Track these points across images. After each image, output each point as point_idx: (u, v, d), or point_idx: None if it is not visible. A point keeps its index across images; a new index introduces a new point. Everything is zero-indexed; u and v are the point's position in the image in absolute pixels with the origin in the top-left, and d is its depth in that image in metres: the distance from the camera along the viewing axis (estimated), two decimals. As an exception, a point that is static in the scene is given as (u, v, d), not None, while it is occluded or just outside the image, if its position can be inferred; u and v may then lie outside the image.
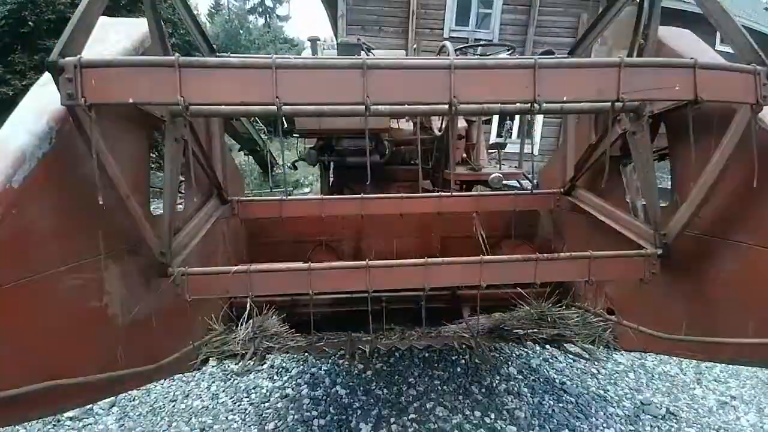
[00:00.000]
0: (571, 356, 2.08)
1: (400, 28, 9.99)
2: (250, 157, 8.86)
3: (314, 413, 2.45)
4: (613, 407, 2.55)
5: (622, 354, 3.08)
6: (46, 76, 1.05)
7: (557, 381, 2.79)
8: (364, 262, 1.46)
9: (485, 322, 2.15)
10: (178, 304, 1.47)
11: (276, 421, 2.41)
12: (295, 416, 2.44)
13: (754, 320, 1.28)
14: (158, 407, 2.56)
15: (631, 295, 1.84)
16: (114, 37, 1.38)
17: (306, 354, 2.55)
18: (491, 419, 2.40)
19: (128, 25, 1.48)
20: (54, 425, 2.39)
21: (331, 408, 2.50)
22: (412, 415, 2.43)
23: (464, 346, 1.96)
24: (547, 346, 2.19)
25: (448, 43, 2.98)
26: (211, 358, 1.82)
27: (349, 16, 9.99)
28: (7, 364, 0.91)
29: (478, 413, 2.45)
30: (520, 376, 2.83)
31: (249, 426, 2.39)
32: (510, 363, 2.98)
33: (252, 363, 1.84)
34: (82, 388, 1.09)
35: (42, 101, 1.07)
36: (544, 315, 2.05)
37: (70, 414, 2.47)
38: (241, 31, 34.27)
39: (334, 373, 2.86)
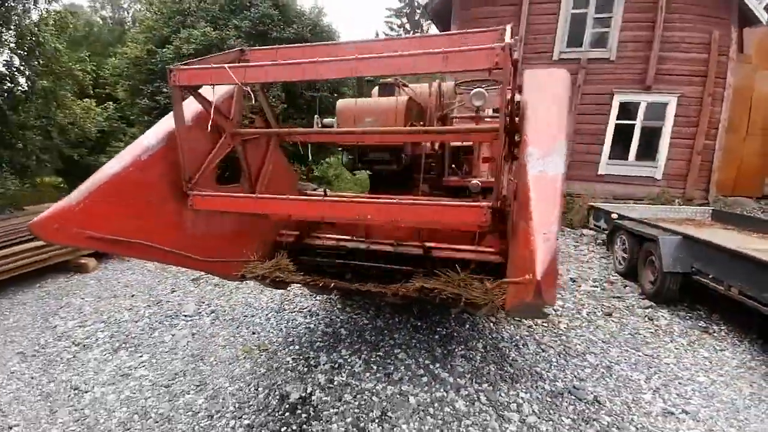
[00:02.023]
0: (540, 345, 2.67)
1: (504, 55, 10.53)
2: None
3: (320, 339, 3.58)
4: (544, 383, 2.98)
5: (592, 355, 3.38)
6: (170, 115, 2.45)
7: (511, 358, 3.31)
8: (325, 196, 2.43)
9: (420, 283, 2.94)
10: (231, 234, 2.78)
11: (296, 338, 3.62)
12: (308, 338, 3.61)
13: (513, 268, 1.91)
14: (235, 317, 4.05)
15: None
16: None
17: (303, 285, 3.40)
18: (435, 367, 3.15)
19: None
20: (173, 318, 4.07)
21: (331, 339, 3.59)
22: (380, 353, 3.35)
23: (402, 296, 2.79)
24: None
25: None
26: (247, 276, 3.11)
27: (458, 47, 11.00)
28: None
29: (428, 362, 3.21)
30: (482, 350, 3.43)
31: (281, 337, 3.65)
32: (481, 339, 3.58)
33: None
34: (169, 254, 2.44)
35: (164, 122, 2.48)
36: (458, 280, 2.74)
37: (186, 313, 4.15)
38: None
39: (345, 321, 3.94)
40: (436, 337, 3.64)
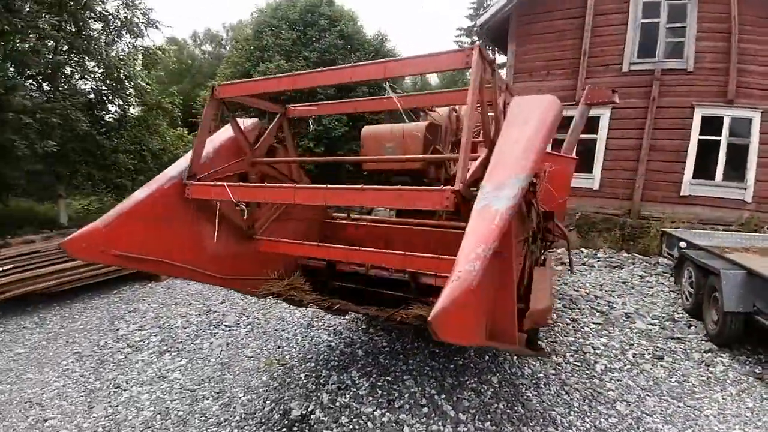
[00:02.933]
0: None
1: (569, 69, 10.04)
2: None
3: (336, 358, 3.68)
4: (556, 430, 2.73)
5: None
6: None
7: (526, 397, 3.08)
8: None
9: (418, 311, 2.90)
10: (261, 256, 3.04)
11: (315, 355, 3.76)
12: (326, 356, 3.73)
13: None
14: (267, 330, 4.32)
15: None
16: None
17: (314, 304, 3.31)
18: (440, 398, 3.06)
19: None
20: (215, 327, 4.46)
21: (347, 359, 3.67)
22: (389, 377, 3.34)
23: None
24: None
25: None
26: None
27: (516, 65, 10.73)
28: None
29: (434, 392, 3.13)
30: (496, 385, 3.24)
31: (302, 353, 3.82)
32: (498, 373, 3.39)
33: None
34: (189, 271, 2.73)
35: (184, 158, 2.81)
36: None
37: (227, 323, 4.52)
38: (458, 83, 38.30)
39: (365, 342, 3.99)
40: (451, 366, 3.53)
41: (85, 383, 3.42)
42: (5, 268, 4.55)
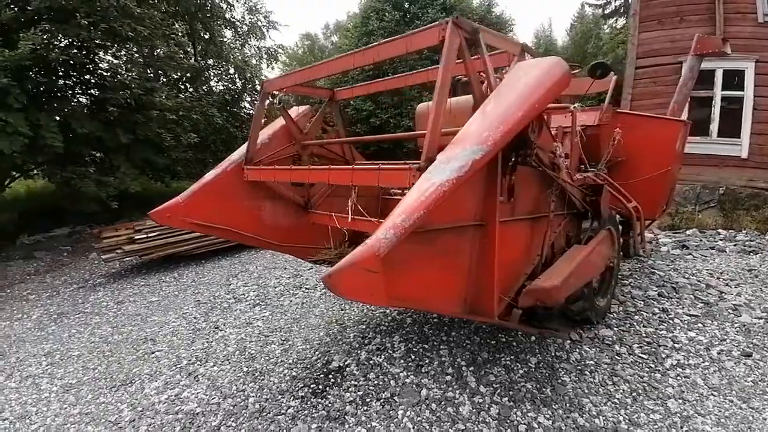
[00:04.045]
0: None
1: (706, 15, 8.15)
2: None
3: (386, 323, 4.00)
4: (580, 416, 2.57)
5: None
6: None
7: (560, 381, 2.93)
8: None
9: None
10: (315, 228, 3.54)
11: (369, 320, 4.14)
12: (378, 321, 4.08)
13: None
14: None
15: None
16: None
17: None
18: (468, 370, 3.12)
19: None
20: (298, 288, 5.15)
21: (395, 325, 3.95)
22: (426, 345, 3.51)
23: None
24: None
25: None
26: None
27: (642, 12, 9.11)
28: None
29: (464, 364, 3.20)
30: (532, 365, 3.14)
31: (359, 317, 4.24)
32: (540, 354, 3.26)
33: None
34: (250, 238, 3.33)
35: (244, 145, 3.36)
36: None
37: (307, 286, 5.20)
38: (590, 39, 33.61)
39: (416, 312, 4.20)
40: (492, 342, 3.51)
41: (195, 324, 4.42)
42: (152, 234, 6.01)
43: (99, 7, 6.41)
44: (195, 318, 4.57)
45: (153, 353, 3.87)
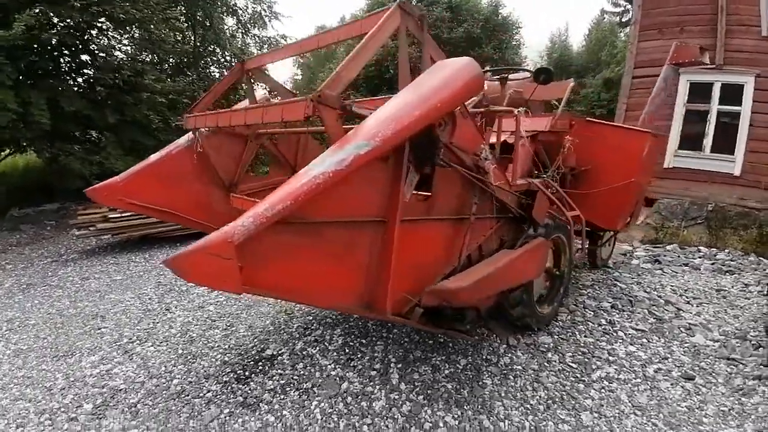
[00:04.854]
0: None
1: (707, 26, 7.99)
2: None
3: (333, 316, 4.01)
4: (484, 416, 2.56)
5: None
6: None
7: (482, 383, 2.92)
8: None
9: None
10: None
11: (318, 312, 4.15)
12: (327, 314, 4.08)
13: None
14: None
15: None
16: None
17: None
18: (396, 367, 3.12)
19: None
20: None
21: (341, 318, 3.96)
22: (364, 340, 3.52)
23: None
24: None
25: None
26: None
27: (643, 21, 8.97)
28: None
29: (394, 360, 3.20)
30: (460, 366, 3.13)
31: (310, 308, 4.25)
32: (472, 356, 3.25)
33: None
34: (191, 221, 3.36)
35: (190, 133, 3.39)
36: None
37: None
38: (605, 47, 33.11)
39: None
40: (430, 342, 3.49)
41: (148, 304, 4.48)
42: (126, 214, 6.08)
43: (92, -10, 6.49)
44: (150, 299, 4.62)
45: (99, 329, 3.93)
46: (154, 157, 3.23)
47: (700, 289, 5.01)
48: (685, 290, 4.92)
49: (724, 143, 8.42)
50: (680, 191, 8.71)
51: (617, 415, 2.65)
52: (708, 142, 8.61)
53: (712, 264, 6.23)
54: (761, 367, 3.19)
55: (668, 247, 7.34)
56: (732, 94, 8.28)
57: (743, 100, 8.20)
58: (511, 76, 3.75)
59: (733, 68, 8.23)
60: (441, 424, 2.52)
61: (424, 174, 2.16)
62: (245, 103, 3.71)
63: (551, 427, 2.52)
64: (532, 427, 2.50)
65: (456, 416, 2.59)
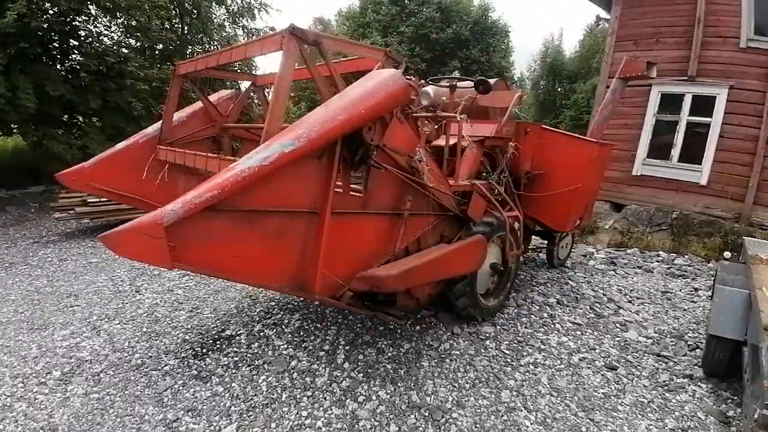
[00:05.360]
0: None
1: (682, 38, 8.30)
2: None
3: (295, 302, 4.25)
4: (415, 397, 2.84)
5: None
6: None
7: (420, 364, 3.19)
8: None
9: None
10: None
11: (281, 298, 4.39)
12: (289, 300, 4.33)
13: None
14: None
15: None
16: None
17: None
18: (343, 350, 3.38)
19: None
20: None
21: (302, 304, 4.21)
22: (319, 324, 3.78)
23: None
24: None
25: None
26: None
27: (620, 31, 9.27)
28: None
29: (343, 343, 3.46)
30: (402, 350, 3.41)
31: (275, 294, 4.49)
32: (415, 342, 3.53)
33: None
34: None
35: (158, 123, 3.60)
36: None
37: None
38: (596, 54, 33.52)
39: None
40: (381, 328, 3.76)
41: (120, 286, 4.69)
42: (103, 199, 6.26)
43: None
44: (122, 281, 4.83)
45: (72, 307, 4.14)
46: (120, 145, 3.44)
47: (645, 290, 5.34)
48: (631, 290, 5.25)
49: (692, 153, 8.75)
50: (648, 198, 9.05)
51: (534, 394, 2.95)
52: (676, 152, 8.93)
53: (668, 268, 6.58)
54: (695, 367, 3.45)
55: (629, 251, 7.69)
56: (703, 105, 8.58)
57: (714, 111, 8.50)
58: (459, 84, 3.99)
59: (706, 80, 8.54)
60: (374, 398, 2.80)
61: (359, 172, 2.42)
62: (196, 106, 3.85)
63: (472, 401, 2.80)
64: (454, 401, 2.79)
65: (389, 392, 2.86)
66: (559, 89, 26.00)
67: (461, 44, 13.99)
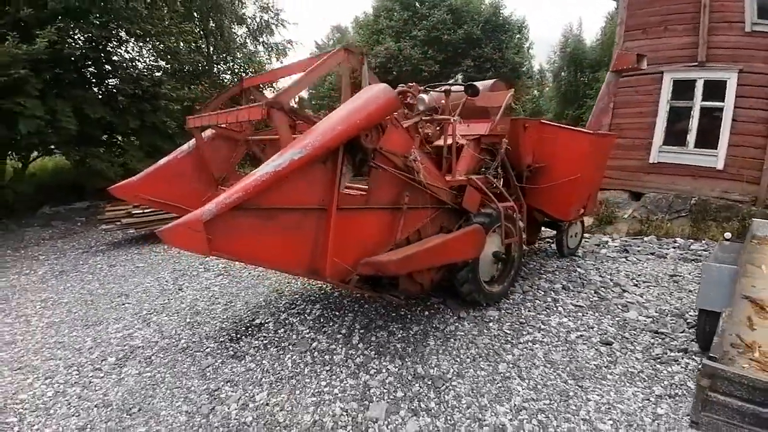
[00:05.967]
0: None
1: (690, 24, 8.29)
2: None
3: (318, 294, 4.71)
4: (426, 372, 3.21)
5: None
6: None
7: (427, 344, 3.56)
8: None
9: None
10: None
11: (305, 291, 4.86)
12: (312, 292, 4.79)
13: None
14: (285, 271, 5.62)
15: None
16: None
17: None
18: (360, 332, 3.79)
19: None
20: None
21: (322, 295, 4.66)
22: (337, 312, 4.21)
23: None
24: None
25: None
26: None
27: (629, 21, 9.32)
28: None
29: (360, 327, 3.88)
30: (412, 331, 3.78)
31: (300, 288, 4.96)
32: (423, 324, 3.89)
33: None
34: None
35: (192, 141, 4.13)
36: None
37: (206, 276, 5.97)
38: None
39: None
40: (393, 314, 4.15)
41: (165, 285, 5.28)
42: (147, 210, 6.95)
43: (110, 8, 7.36)
44: (166, 281, 5.43)
45: (123, 304, 4.75)
46: (162, 160, 3.98)
47: (653, 274, 5.49)
48: (638, 275, 5.42)
49: (707, 138, 8.70)
50: (666, 185, 9.04)
51: (529, 366, 3.26)
52: (692, 138, 8.89)
53: (682, 253, 6.65)
54: (691, 342, 3.65)
55: (646, 239, 7.75)
56: (715, 90, 8.54)
57: (726, 95, 8.45)
58: (454, 89, 4.32)
59: (716, 65, 8.50)
60: (384, 371, 3.19)
61: (361, 173, 2.83)
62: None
63: (471, 372, 3.15)
64: (455, 372, 3.14)
65: (397, 365, 3.25)
66: (581, 79, 25.62)
67: (473, 43, 14.21)
